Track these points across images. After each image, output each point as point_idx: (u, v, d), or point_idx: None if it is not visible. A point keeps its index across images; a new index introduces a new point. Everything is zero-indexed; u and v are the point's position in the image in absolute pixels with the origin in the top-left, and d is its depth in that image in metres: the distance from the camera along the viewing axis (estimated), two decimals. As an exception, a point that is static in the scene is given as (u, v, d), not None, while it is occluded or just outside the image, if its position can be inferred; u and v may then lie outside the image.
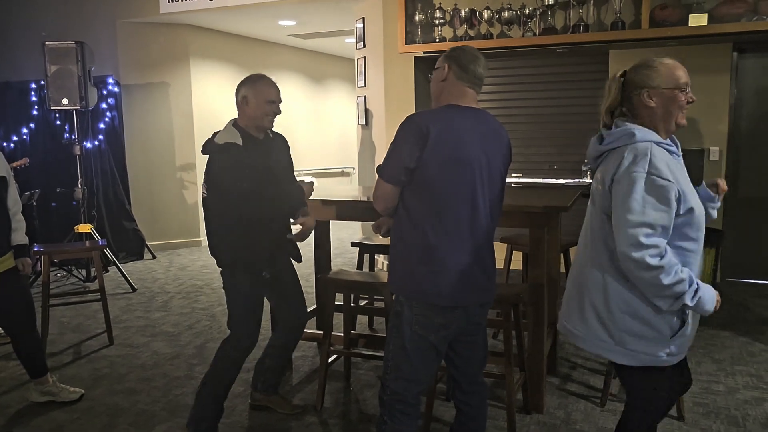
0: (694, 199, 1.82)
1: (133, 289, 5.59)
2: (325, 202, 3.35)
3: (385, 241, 4.10)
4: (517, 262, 4.79)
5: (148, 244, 6.94)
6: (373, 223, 2.37)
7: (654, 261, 1.75)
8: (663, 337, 1.85)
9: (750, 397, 3.23)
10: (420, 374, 2.18)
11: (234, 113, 2.81)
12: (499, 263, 5.60)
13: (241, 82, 2.76)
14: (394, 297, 2.17)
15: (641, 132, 1.84)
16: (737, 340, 4.01)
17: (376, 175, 2.12)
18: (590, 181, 5.39)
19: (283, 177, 2.88)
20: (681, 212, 1.79)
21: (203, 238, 7.59)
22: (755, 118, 5.23)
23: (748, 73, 5.19)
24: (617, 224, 1.81)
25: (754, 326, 4.27)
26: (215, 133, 2.74)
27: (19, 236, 3.15)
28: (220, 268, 2.81)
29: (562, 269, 3.85)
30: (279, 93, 2.77)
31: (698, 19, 4.59)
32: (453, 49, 2.15)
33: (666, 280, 1.75)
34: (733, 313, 4.49)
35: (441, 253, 2.05)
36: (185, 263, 6.70)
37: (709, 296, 1.82)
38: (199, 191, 7.52)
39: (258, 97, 2.70)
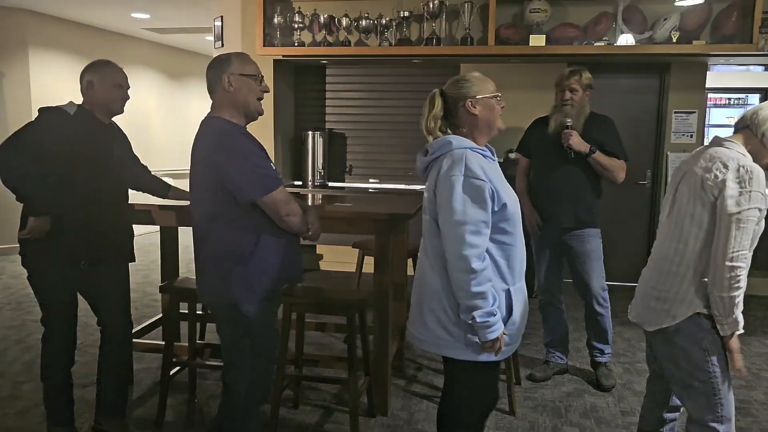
0: (506, 196, 2.00)
1: (-46, 300, 5.04)
2: (162, 207, 3.27)
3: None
4: (369, 266, 4.88)
5: (-25, 249, 6.29)
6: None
7: (476, 264, 1.89)
8: None
9: (573, 389, 3.54)
10: None
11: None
12: (352, 267, 5.70)
13: (85, 68, 2.69)
14: None
15: (457, 140, 2.02)
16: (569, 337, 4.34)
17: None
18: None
19: (126, 169, 2.92)
20: (495, 209, 1.96)
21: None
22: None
23: (581, 92, 5.67)
24: (444, 225, 1.95)
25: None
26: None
27: None
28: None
29: (411, 272, 3.98)
30: (126, 78, 2.75)
31: (537, 40, 4.98)
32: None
33: (474, 288, 1.89)
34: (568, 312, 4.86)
35: None
36: (19, 271, 6.10)
37: (494, 329, 1.91)
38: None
39: (104, 82, 2.65)
